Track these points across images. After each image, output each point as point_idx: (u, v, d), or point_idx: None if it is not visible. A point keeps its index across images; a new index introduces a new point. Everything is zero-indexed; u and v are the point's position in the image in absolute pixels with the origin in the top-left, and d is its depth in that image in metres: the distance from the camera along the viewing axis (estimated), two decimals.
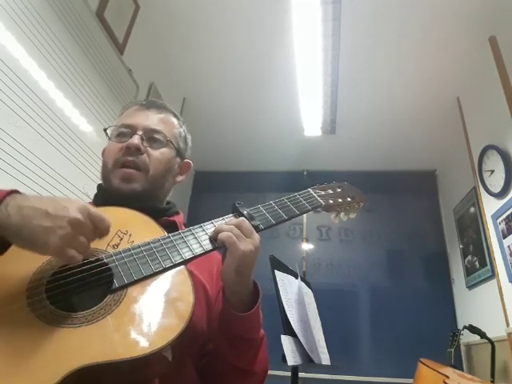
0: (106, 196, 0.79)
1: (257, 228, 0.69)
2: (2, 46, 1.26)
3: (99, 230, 0.55)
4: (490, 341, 2.10)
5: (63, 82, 1.56)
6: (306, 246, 3.34)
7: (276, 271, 1.27)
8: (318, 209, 0.85)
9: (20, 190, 0.57)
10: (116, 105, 1.92)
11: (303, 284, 1.43)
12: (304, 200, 0.82)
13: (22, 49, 1.34)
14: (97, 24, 1.79)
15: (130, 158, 0.77)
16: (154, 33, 2.36)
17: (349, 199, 0.91)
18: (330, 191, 0.90)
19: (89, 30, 1.73)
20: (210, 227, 0.68)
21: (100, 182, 0.83)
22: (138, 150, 0.78)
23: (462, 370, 2.52)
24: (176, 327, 0.53)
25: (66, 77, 1.58)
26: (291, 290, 1.31)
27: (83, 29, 1.69)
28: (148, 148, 0.80)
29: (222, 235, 0.64)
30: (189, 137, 0.94)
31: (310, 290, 1.53)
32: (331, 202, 0.87)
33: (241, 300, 0.66)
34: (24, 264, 0.55)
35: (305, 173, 3.52)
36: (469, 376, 1.76)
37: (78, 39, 1.66)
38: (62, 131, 1.55)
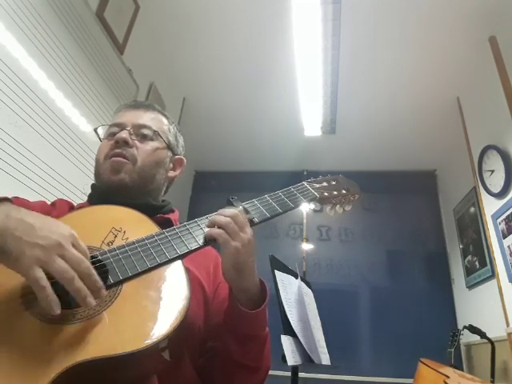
0: (100, 194, 0.80)
1: (251, 222, 0.69)
2: (2, 46, 1.26)
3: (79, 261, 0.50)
4: (490, 341, 2.10)
5: (63, 81, 1.56)
6: (306, 246, 3.34)
7: (276, 271, 1.27)
8: (313, 201, 0.84)
9: (18, 193, 0.57)
10: (116, 105, 1.92)
11: (303, 284, 1.43)
12: (299, 193, 0.82)
13: (22, 49, 1.34)
14: (97, 24, 1.79)
15: (118, 151, 0.79)
16: (154, 33, 2.36)
17: (344, 192, 0.91)
18: (325, 184, 0.90)
19: (89, 30, 1.73)
20: (204, 222, 0.68)
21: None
22: (126, 143, 0.79)
23: (462, 369, 2.52)
24: (172, 322, 0.53)
25: (66, 77, 1.58)
26: (291, 290, 1.31)
27: (83, 29, 1.69)
28: (136, 141, 0.82)
29: (213, 233, 0.64)
30: (180, 135, 0.94)
31: (309, 290, 1.52)
32: (326, 194, 0.87)
33: (249, 298, 0.66)
34: None
35: (305, 173, 3.52)
36: (469, 376, 1.76)
37: (77, 39, 1.66)
38: (62, 131, 1.55)
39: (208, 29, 2.35)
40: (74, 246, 0.51)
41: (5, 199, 0.55)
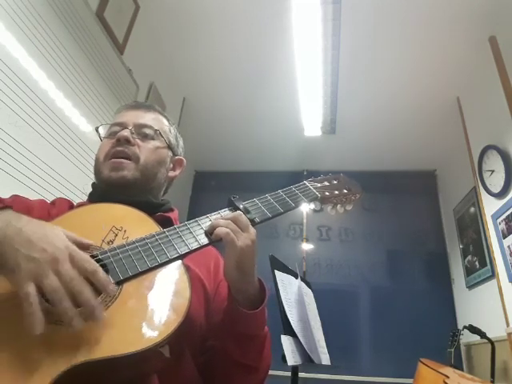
0: (100, 192, 0.80)
1: (252, 221, 0.69)
2: (2, 46, 1.26)
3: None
4: (490, 341, 2.10)
5: (63, 81, 1.56)
6: (306, 246, 3.34)
7: (276, 271, 1.27)
8: (315, 201, 0.84)
9: (17, 193, 0.57)
10: (116, 105, 1.92)
11: (303, 284, 1.43)
12: (300, 192, 0.81)
13: (22, 49, 1.34)
14: (97, 24, 1.79)
15: (120, 148, 0.79)
16: (154, 33, 2.36)
17: (345, 191, 0.90)
18: (326, 183, 0.89)
19: (89, 30, 1.73)
20: (205, 222, 0.68)
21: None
22: (127, 142, 0.79)
23: (462, 369, 2.52)
24: (172, 322, 0.52)
25: (66, 77, 1.58)
26: (291, 290, 1.31)
27: (83, 29, 1.69)
28: (138, 140, 0.82)
29: (219, 231, 0.64)
30: (180, 137, 0.95)
31: (309, 290, 1.52)
32: (327, 193, 0.87)
33: (247, 298, 0.66)
34: None
35: (305, 173, 3.52)
36: (469, 376, 1.76)
37: (77, 39, 1.66)
38: (62, 131, 1.55)
39: (208, 29, 2.35)
40: (71, 258, 0.49)
41: (5, 207, 0.55)
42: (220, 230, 0.64)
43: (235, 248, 0.62)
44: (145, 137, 0.83)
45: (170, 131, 0.90)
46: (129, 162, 0.78)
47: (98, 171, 0.81)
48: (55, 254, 0.49)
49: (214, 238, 0.65)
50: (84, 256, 0.51)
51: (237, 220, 0.65)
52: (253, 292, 0.67)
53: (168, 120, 0.92)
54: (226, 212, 0.71)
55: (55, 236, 0.52)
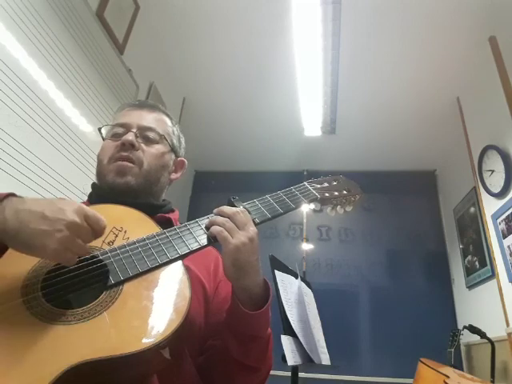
0: (100, 193, 0.80)
1: (252, 222, 0.68)
2: (2, 46, 1.26)
3: (95, 231, 0.55)
4: (490, 341, 2.10)
5: (63, 82, 1.56)
6: (306, 246, 3.34)
7: (276, 271, 1.27)
8: (314, 202, 0.84)
9: (17, 193, 0.57)
10: (116, 105, 1.92)
11: (303, 284, 1.43)
12: (299, 193, 0.81)
13: (22, 49, 1.34)
14: (97, 24, 1.79)
15: (125, 154, 0.78)
16: (154, 33, 2.36)
17: (345, 192, 0.90)
18: (326, 184, 0.89)
19: (89, 30, 1.73)
20: (205, 222, 0.68)
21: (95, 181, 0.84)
22: (132, 146, 0.79)
23: (461, 369, 2.52)
24: (173, 322, 0.53)
25: (66, 77, 1.58)
26: (291, 290, 1.31)
27: (83, 29, 1.69)
28: (142, 144, 0.81)
29: (213, 230, 0.64)
30: (182, 136, 0.94)
31: (309, 290, 1.53)
32: (327, 195, 0.86)
33: (251, 297, 0.66)
34: (19, 263, 0.55)
35: (305, 173, 3.52)
36: (469, 376, 1.76)
37: (78, 39, 1.66)
38: (62, 131, 1.55)
39: (208, 29, 2.35)
40: (86, 218, 0.53)
41: (7, 196, 0.55)
42: (213, 229, 0.64)
43: (229, 246, 0.62)
44: (149, 141, 0.82)
45: (174, 132, 0.89)
46: (133, 165, 0.78)
47: (101, 174, 0.80)
48: (72, 218, 0.52)
49: (209, 235, 0.65)
50: (93, 213, 0.56)
51: (234, 217, 0.65)
52: (257, 292, 0.66)
53: (171, 119, 0.91)
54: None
55: (63, 203, 0.54)
